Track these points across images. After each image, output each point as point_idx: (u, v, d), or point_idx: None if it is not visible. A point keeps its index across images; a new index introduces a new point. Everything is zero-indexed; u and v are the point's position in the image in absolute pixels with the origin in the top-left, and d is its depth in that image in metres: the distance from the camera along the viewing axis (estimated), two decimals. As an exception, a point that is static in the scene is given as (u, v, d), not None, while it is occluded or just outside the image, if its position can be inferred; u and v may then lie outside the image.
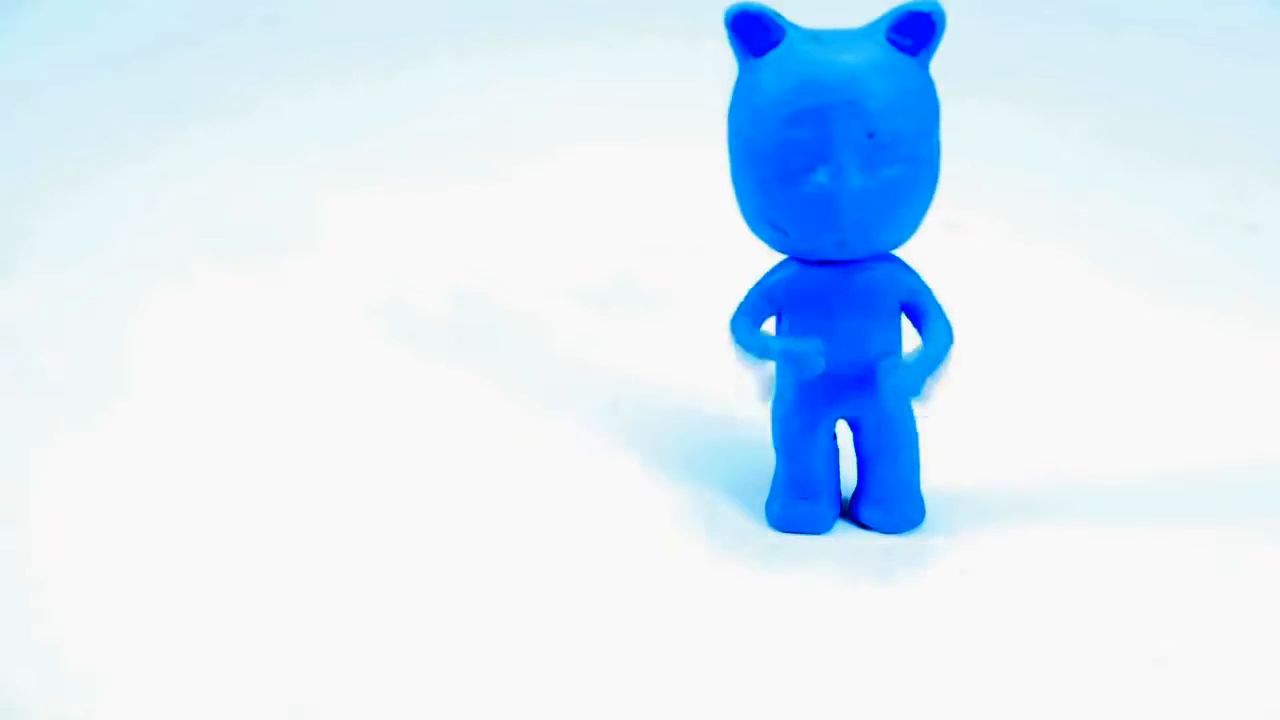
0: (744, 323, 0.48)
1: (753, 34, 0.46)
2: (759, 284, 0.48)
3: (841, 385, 0.48)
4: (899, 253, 0.48)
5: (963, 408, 0.51)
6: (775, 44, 0.46)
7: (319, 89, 0.86)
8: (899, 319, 0.48)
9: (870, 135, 0.45)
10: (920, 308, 0.48)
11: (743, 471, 0.53)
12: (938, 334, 0.48)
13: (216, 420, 0.57)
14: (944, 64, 0.47)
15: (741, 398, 0.52)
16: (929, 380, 0.47)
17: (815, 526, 0.50)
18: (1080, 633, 0.45)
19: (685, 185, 0.71)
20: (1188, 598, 0.47)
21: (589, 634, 0.46)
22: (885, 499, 0.50)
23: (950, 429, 0.52)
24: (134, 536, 0.50)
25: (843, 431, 0.50)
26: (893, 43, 0.46)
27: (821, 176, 0.45)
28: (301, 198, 0.75)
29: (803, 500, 0.50)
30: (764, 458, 0.51)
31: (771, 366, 0.49)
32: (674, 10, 0.89)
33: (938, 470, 0.51)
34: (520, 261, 0.69)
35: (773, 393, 0.50)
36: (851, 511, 0.51)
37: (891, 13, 0.46)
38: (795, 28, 0.46)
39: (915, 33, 0.46)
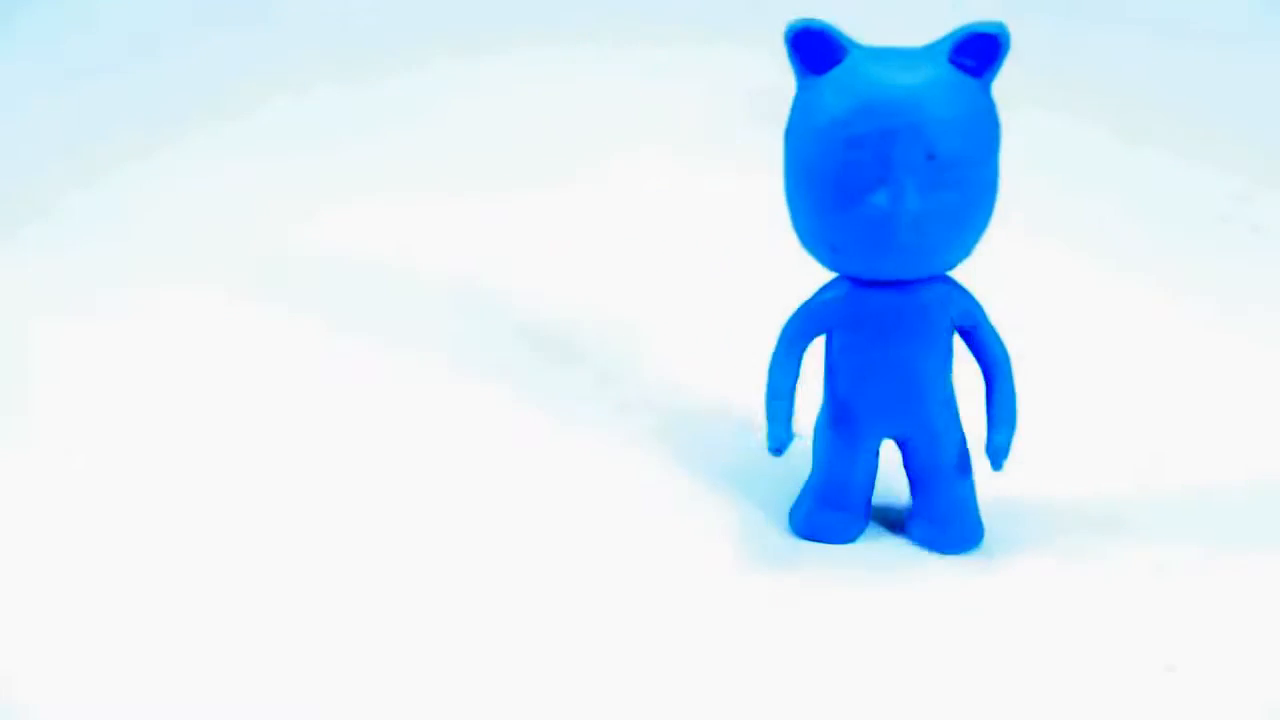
0: (783, 350, 0.48)
1: (814, 52, 0.45)
2: (809, 302, 0.48)
3: (889, 406, 0.48)
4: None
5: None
6: (837, 63, 0.45)
7: (319, 91, 0.85)
8: (950, 340, 0.47)
9: (931, 158, 0.44)
10: (974, 333, 0.47)
11: (775, 480, 0.52)
12: (1000, 381, 0.47)
13: (217, 427, 0.57)
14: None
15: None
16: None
17: (838, 536, 0.50)
18: (1093, 639, 0.46)
19: (719, 191, 0.71)
20: (1196, 605, 0.47)
21: (614, 642, 0.46)
22: (938, 518, 0.49)
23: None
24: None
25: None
26: (955, 63, 0.45)
27: (880, 199, 0.44)
28: (300, 203, 0.74)
29: (829, 509, 0.50)
30: (796, 466, 0.51)
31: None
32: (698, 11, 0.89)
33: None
34: (546, 267, 0.69)
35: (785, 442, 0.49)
36: (906, 530, 0.50)
37: (956, 33, 0.45)
38: (857, 46, 0.45)
39: (979, 54, 0.45)
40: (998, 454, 0.47)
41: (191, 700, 0.44)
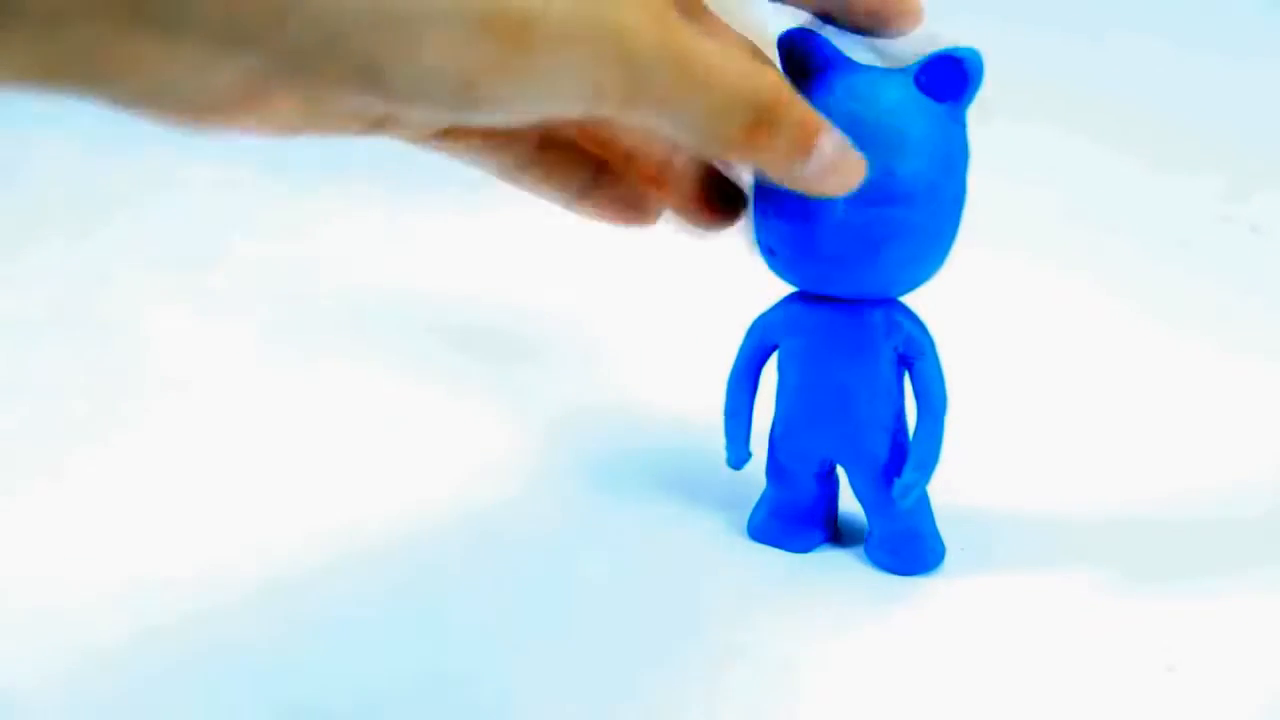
0: (738, 367, 0.48)
1: (798, 59, 0.45)
2: (760, 316, 0.48)
3: (827, 426, 0.47)
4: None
5: (972, 427, 0.51)
6: (818, 70, 0.44)
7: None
8: (893, 367, 0.47)
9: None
10: (914, 365, 0.46)
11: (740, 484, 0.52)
12: (927, 422, 0.46)
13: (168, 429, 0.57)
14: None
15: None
16: (930, 470, 0.47)
17: (790, 544, 0.50)
18: (1093, 640, 0.46)
19: None
20: (1196, 605, 0.47)
21: (570, 638, 0.46)
22: (888, 542, 0.49)
23: (956, 449, 0.50)
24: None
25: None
26: (920, 85, 0.44)
27: (809, 215, 0.44)
28: (270, 208, 0.74)
29: (780, 519, 0.50)
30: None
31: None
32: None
33: (944, 488, 0.50)
34: (510, 274, 0.68)
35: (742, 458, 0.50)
36: (865, 551, 0.50)
37: (926, 55, 0.44)
38: (843, 60, 0.45)
39: (943, 77, 0.43)
40: (904, 491, 0.47)
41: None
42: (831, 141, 0.41)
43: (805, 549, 0.50)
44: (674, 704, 0.43)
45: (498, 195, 0.74)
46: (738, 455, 0.49)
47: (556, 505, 0.52)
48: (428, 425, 0.57)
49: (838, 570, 0.49)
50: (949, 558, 0.49)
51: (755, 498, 0.50)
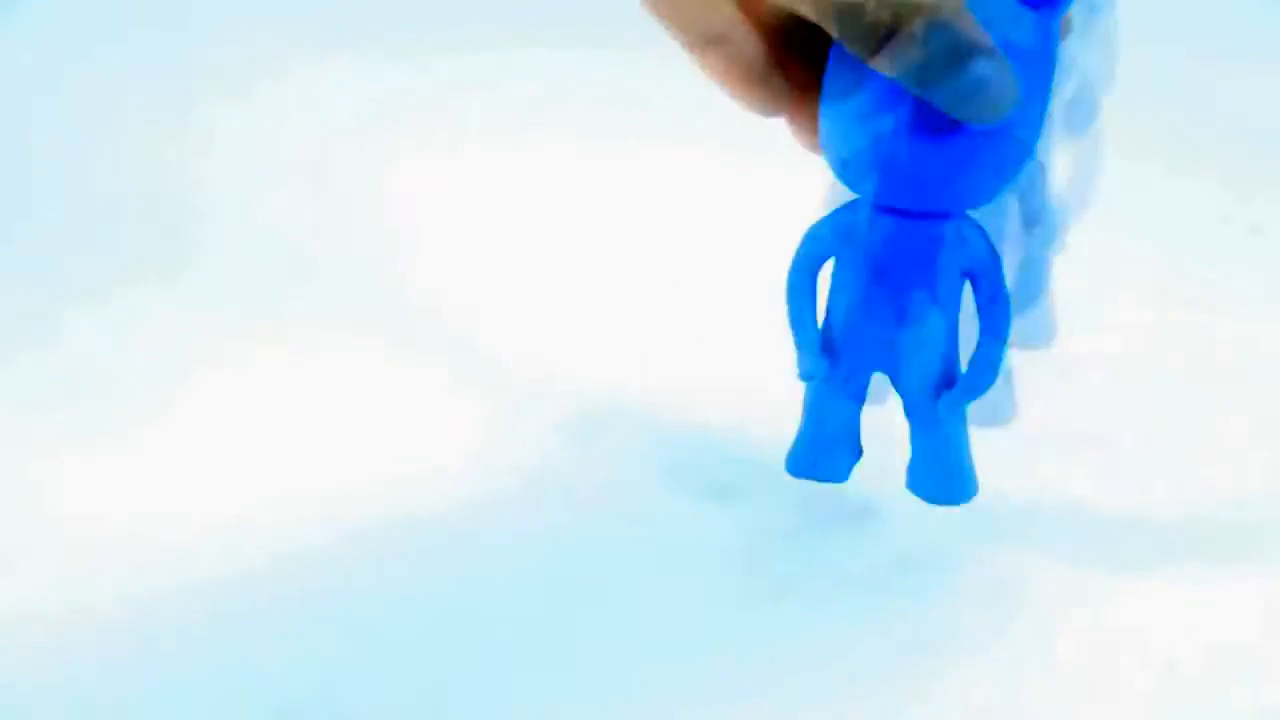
0: (795, 272, 0.47)
1: None
2: (823, 219, 0.47)
3: (881, 337, 0.46)
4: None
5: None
6: None
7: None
8: (958, 282, 0.46)
9: None
10: (978, 282, 0.46)
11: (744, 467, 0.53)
12: (985, 341, 0.46)
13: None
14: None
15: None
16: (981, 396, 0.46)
17: (829, 474, 0.49)
18: (1093, 639, 0.46)
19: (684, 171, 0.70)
20: (1196, 605, 0.47)
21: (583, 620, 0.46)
22: (923, 464, 0.48)
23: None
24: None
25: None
26: None
27: (889, 121, 0.43)
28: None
29: (817, 447, 0.48)
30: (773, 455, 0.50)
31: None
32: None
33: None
34: (513, 271, 0.68)
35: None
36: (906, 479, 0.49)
37: None
38: None
39: None
40: (949, 405, 0.46)
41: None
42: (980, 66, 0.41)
43: (844, 478, 0.49)
44: (672, 704, 0.43)
45: (501, 191, 0.74)
46: (810, 364, 0.47)
47: (556, 504, 0.52)
48: (427, 422, 0.57)
49: (836, 571, 0.49)
50: (949, 559, 0.49)
51: (757, 496, 0.50)
